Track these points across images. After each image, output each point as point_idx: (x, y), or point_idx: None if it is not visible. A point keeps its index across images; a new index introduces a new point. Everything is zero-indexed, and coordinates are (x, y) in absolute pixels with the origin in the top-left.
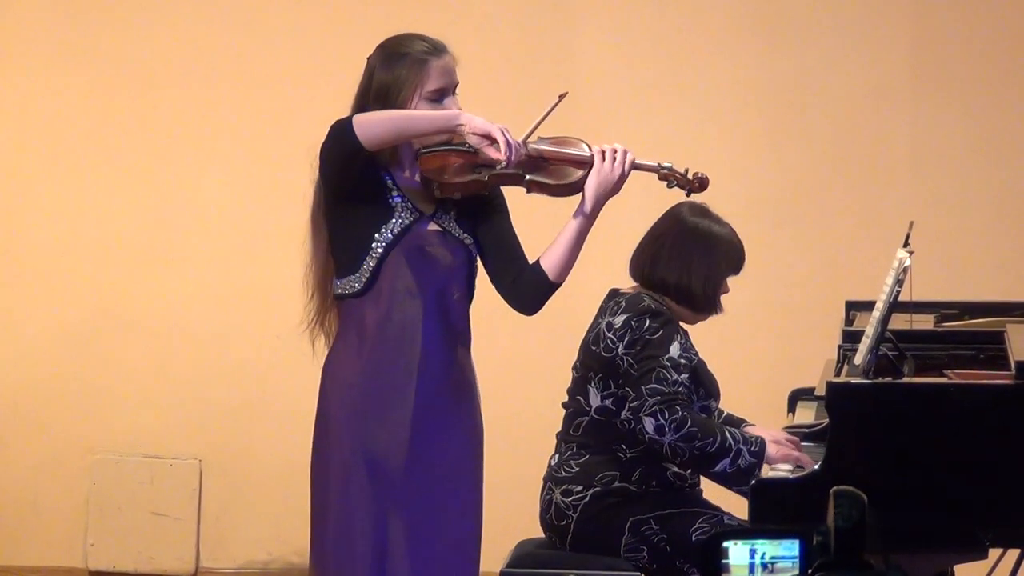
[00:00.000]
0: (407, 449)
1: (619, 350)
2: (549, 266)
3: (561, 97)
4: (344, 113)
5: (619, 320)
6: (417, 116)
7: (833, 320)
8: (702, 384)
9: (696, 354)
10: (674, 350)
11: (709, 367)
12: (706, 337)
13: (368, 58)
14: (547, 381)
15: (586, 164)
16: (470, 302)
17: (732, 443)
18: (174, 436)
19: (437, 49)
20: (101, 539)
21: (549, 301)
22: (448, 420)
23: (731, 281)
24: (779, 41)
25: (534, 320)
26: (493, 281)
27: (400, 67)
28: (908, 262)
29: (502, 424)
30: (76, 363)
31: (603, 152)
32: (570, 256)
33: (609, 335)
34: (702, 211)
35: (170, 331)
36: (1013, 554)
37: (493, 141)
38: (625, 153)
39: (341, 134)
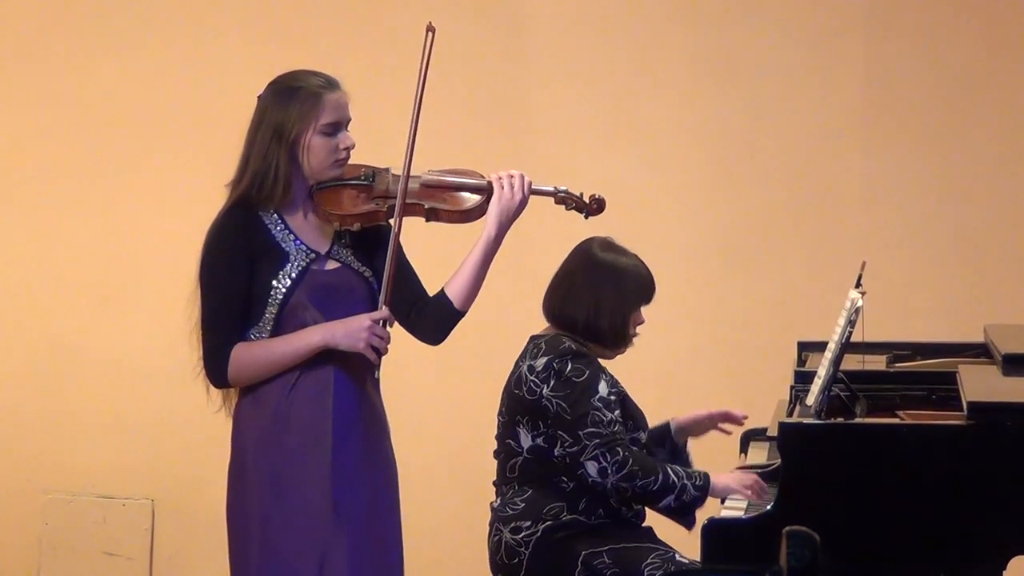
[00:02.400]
0: (330, 491)
1: (544, 391)
2: (454, 294)
3: (429, 29)
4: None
5: (540, 362)
6: (288, 354)
7: (785, 361)
8: (630, 416)
9: (621, 387)
10: (602, 388)
11: (660, 407)
12: (658, 377)
13: (259, 96)
14: (488, 425)
15: (483, 190)
16: None
17: (675, 479)
18: (127, 476)
19: (331, 84)
20: None
21: (484, 345)
22: (365, 457)
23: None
24: (730, 82)
25: (471, 364)
26: (395, 314)
27: (293, 102)
28: (860, 303)
29: (449, 466)
30: (29, 402)
31: (502, 178)
32: (474, 284)
33: (532, 378)
34: (609, 245)
35: (123, 371)
36: None
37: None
38: (523, 178)
39: (213, 372)
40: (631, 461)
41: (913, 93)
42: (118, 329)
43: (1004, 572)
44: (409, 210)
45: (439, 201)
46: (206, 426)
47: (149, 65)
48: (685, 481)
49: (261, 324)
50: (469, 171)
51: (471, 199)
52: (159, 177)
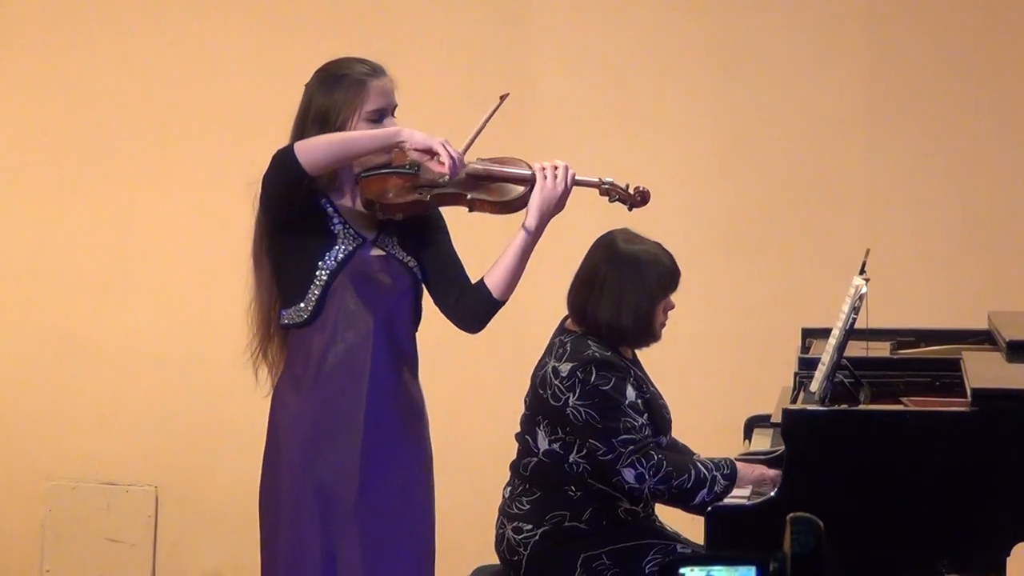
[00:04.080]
0: (358, 477)
1: (571, 400)
2: (494, 284)
3: (502, 99)
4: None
5: (565, 368)
6: (358, 136)
7: (789, 347)
8: (651, 421)
9: (648, 388)
10: (630, 394)
11: (665, 394)
12: (663, 364)
13: (306, 84)
14: (506, 406)
15: (527, 181)
16: (417, 326)
17: (706, 473)
18: (130, 463)
19: (376, 71)
20: (57, 565)
21: (506, 327)
22: (398, 447)
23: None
24: (735, 69)
25: (493, 345)
26: (436, 301)
27: (339, 89)
28: (864, 289)
29: (461, 449)
30: (32, 389)
31: (544, 169)
32: (515, 274)
33: (556, 382)
34: (628, 237)
35: (127, 358)
36: None
37: (435, 155)
38: (567, 169)
39: (284, 161)
40: (665, 463)
41: (917, 81)
42: (122, 316)
43: (1007, 558)
44: (452, 199)
45: (482, 192)
46: (210, 413)
47: (153, 53)
48: (715, 472)
49: (303, 305)
50: (515, 160)
51: (514, 190)
52: (161, 165)
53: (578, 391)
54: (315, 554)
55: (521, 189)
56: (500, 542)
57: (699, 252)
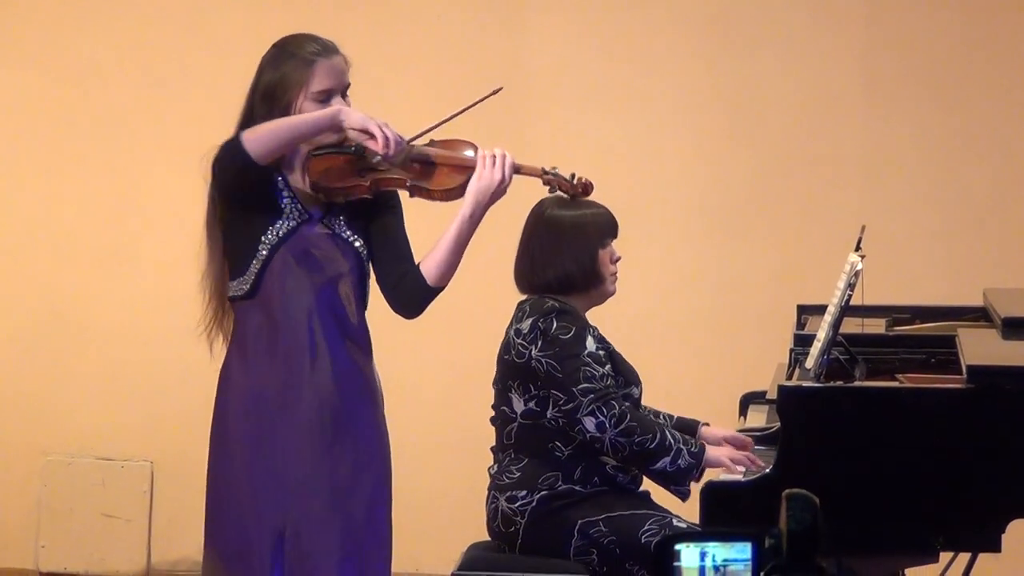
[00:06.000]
0: (305, 455)
1: (533, 352)
2: (427, 271)
3: (495, 92)
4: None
5: (526, 324)
6: (299, 121)
7: (785, 324)
8: (620, 372)
9: (608, 344)
10: (590, 344)
11: (659, 370)
12: (658, 340)
13: (262, 57)
14: (484, 387)
15: (470, 168)
16: (365, 306)
17: (672, 442)
18: (126, 438)
19: (327, 49)
20: (52, 541)
21: (492, 311)
22: (345, 424)
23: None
24: (731, 46)
25: (478, 328)
26: (378, 282)
27: (287, 67)
28: (860, 266)
29: (449, 432)
30: (28, 365)
31: (484, 156)
32: (451, 260)
33: (519, 341)
34: (559, 202)
35: (122, 333)
36: (964, 557)
37: (372, 136)
38: (505, 157)
39: (232, 152)
40: (628, 416)
41: (914, 56)
42: (117, 291)
43: (1003, 534)
44: (392, 183)
45: (423, 178)
46: (205, 388)
47: (148, 26)
48: (681, 446)
49: (244, 277)
50: (462, 143)
51: (456, 179)
52: (156, 141)
53: (540, 342)
54: (265, 525)
55: (463, 178)
56: (493, 517)
57: (695, 229)
